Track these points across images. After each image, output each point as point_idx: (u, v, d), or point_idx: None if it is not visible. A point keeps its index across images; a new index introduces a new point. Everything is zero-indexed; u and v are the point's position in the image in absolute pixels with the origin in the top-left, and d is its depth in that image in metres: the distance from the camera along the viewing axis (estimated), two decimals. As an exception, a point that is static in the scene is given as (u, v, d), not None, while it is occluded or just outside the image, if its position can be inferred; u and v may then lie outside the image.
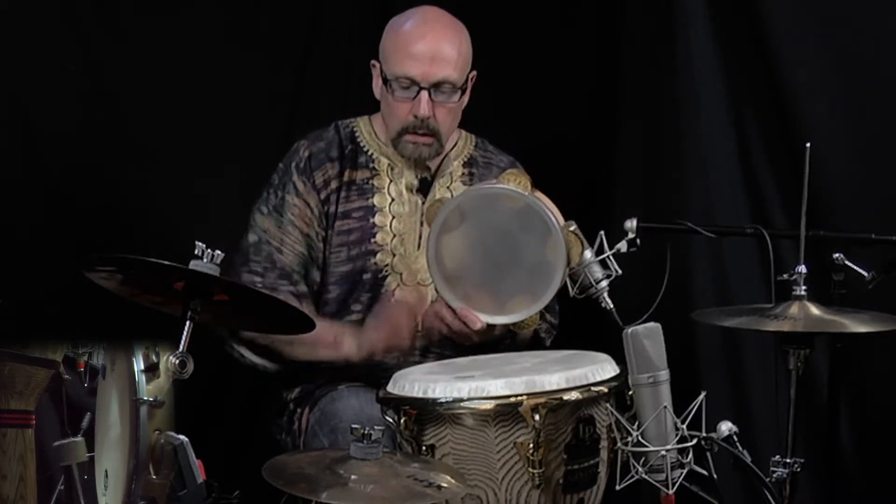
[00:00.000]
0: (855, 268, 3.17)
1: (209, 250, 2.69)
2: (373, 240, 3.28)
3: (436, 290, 3.13)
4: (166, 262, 2.65)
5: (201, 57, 3.85)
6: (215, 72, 3.86)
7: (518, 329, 3.16)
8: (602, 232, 3.05)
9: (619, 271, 3.04)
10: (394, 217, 3.29)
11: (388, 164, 3.31)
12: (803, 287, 3.01)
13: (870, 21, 3.68)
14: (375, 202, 3.30)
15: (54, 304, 3.62)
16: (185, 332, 2.68)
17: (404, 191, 3.30)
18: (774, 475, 2.97)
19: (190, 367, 2.67)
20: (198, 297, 2.69)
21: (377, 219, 3.29)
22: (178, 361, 2.67)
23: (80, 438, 2.90)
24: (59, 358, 2.93)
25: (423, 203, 3.30)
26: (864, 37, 3.68)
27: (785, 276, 3.05)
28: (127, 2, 3.84)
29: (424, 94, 3.20)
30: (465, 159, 3.39)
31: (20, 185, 3.73)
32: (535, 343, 3.30)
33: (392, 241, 3.28)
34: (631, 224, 3.17)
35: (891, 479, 3.69)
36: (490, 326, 3.10)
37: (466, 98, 3.31)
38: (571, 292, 3.04)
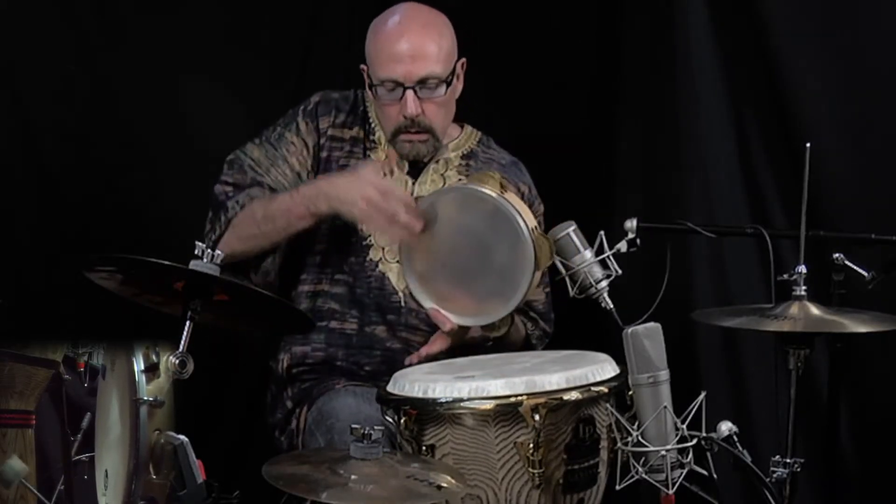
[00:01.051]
0: (855, 268, 3.17)
1: (209, 250, 2.69)
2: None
3: (409, 290, 3.13)
4: (166, 262, 2.65)
5: (201, 57, 3.85)
6: (215, 72, 3.86)
7: (490, 332, 3.16)
8: (602, 232, 3.05)
9: (619, 271, 3.04)
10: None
11: (388, 144, 3.31)
12: (803, 287, 3.01)
13: (870, 21, 3.68)
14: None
15: (54, 304, 3.62)
16: (185, 332, 2.68)
17: (396, 168, 3.30)
18: (774, 475, 2.97)
19: (190, 367, 2.67)
20: (198, 297, 2.70)
21: None
22: (178, 361, 2.67)
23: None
24: (59, 358, 2.93)
25: (414, 184, 3.30)
26: (864, 37, 3.68)
27: (785, 276, 3.05)
28: (127, 2, 3.84)
29: (410, 93, 3.19)
30: (465, 152, 3.39)
31: (20, 185, 3.73)
32: (526, 348, 3.30)
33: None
34: (631, 224, 3.17)
35: (891, 479, 3.69)
36: (462, 328, 3.10)
37: (460, 86, 3.30)
38: (571, 292, 3.05)
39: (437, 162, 3.33)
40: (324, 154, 3.30)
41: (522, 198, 3.24)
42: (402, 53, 3.19)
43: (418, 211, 3.06)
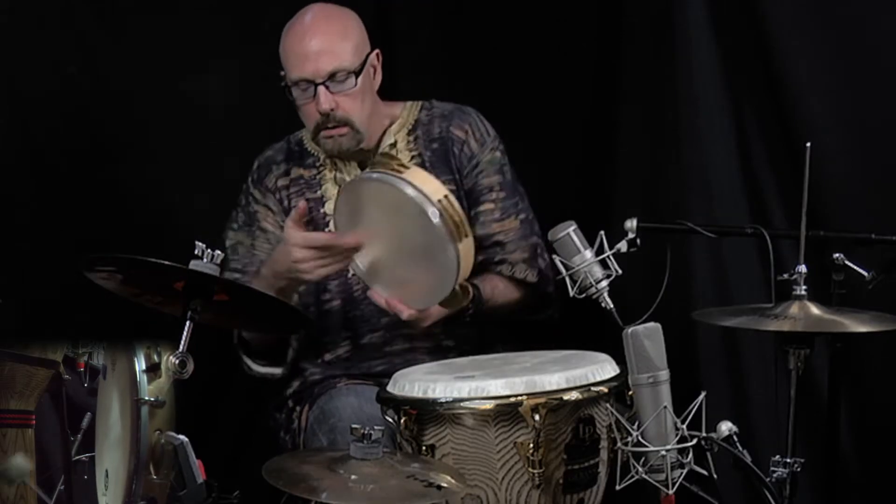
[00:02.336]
0: (855, 268, 3.17)
1: (209, 250, 2.70)
2: (327, 229, 3.30)
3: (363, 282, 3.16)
4: (166, 263, 2.65)
5: (201, 57, 3.85)
6: (215, 72, 3.86)
7: (451, 307, 3.15)
8: (602, 232, 3.05)
9: (619, 271, 3.04)
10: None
11: (332, 161, 3.35)
12: (803, 287, 3.01)
13: (870, 20, 3.67)
14: (324, 193, 3.34)
15: (54, 304, 3.62)
16: (185, 332, 2.68)
17: (347, 178, 3.31)
18: (774, 475, 2.97)
19: (190, 367, 2.68)
20: (198, 297, 2.70)
21: (327, 207, 3.32)
22: (178, 361, 2.67)
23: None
24: (59, 358, 2.93)
25: None
26: (864, 36, 3.68)
27: (785, 276, 3.05)
28: (127, 2, 3.84)
29: (321, 89, 3.22)
30: (410, 126, 3.39)
31: (20, 185, 3.73)
32: (532, 307, 3.32)
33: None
34: (631, 224, 3.17)
35: (891, 479, 3.69)
36: (422, 311, 3.11)
37: (378, 77, 3.31)
38: (571, 292, 3.05)
39: (383, 150, 3.32)
40: (286, 203, 3.35)
41: (466, 136, 3.30)
42: (308, 51, 3.22)
43: (342, 223, 3.10)
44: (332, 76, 3.22)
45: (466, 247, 3.02)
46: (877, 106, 3.67)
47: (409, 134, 3.38)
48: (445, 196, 3.00)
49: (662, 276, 3.19)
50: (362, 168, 3.31)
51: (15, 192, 3.71)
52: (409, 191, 3.00)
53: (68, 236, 3.71)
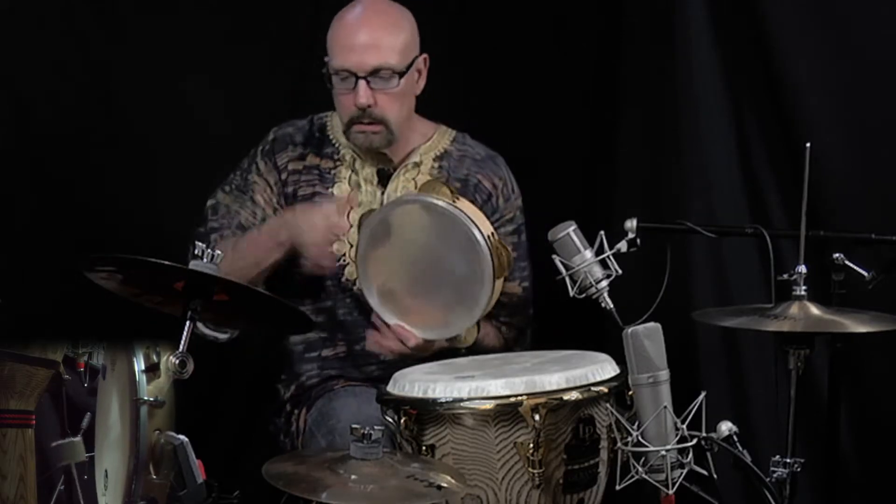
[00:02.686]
0: (855, 268, 3.17)
1: (209, 250, 2.69)
2: (345, 235, 3.26)
3: (371, 307, 3.12)
4: (166, 263, 2.65)
5: (201, 57, 3.85)
6: (215, 72, 3.86)
7: (455, 344, 3.15)
8: (602, 232, 3.05)
9: (619, 271, 3.04)
10: (352, 208, 3.27)
11: (352, 157, 3.32)
12: (803, 287, 3.01)
13: (870, 20, 3.67)
14: (335, 191, 3.30)
15: (54, 304, 3.62)
16: (185, 332, 2.68)
17: (363, 182, 3.31)
18: (774, 475, 2.97)
19: (190, 366, 2.67)
20: (198, 297, 2.69)
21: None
22: (178, 361, 2.67)
23: (77, 438, 2.89)
24: (59, 358, 2.93)
25: (384, 194, 3.29)
26: (864, 36, 3.68)
27: (785, 276, 3.05)
28: (127, 2, 3.84)
29: (362, 83, 3.19)
30: (439, 153, 3.37)
31: (20, 185, 3.73)
32: (504, 351, 3.30)
33: (350, 231, 3.26)
34: (631, 224, 3.17)
35: (891, 479, 3.69)
36: (427, 341, 3.09)
37: (422, 82, 3.30)
38: (571, 292, 3.04)
39: (406, 167, 3.32)
40: (289, 189, 3.31)
41: (495, 191, 3.25)
42: (356, 44, 3.20)
43: (368, 236, 3.07)
44: (375, 72, 3.19)
45: (497, 287, 3.02)
46: (877, 106, 3.67)
47: (435, 160, 3.35)
48: (493, 233, 3.00)
49: (662, 276, 3.19)
50: (380, 175, 3.30)
51: (15, 192, 3.70)
52: (465, 220, 2.98)
53: (68, 236, 3.70)
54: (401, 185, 3.29)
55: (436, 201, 2.99)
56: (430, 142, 3.36)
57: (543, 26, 4.04)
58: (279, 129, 3.37)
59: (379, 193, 3.30)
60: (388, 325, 3.09)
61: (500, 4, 4.01)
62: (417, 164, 3.32)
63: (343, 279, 3.27)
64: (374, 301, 3.09)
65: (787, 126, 3.73)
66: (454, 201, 2.99)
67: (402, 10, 3.28)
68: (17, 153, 3.73)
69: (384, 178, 3.31)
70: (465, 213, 2.98)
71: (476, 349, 3.23)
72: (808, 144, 3.00)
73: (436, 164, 3.34)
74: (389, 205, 3.12)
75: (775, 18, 3.72)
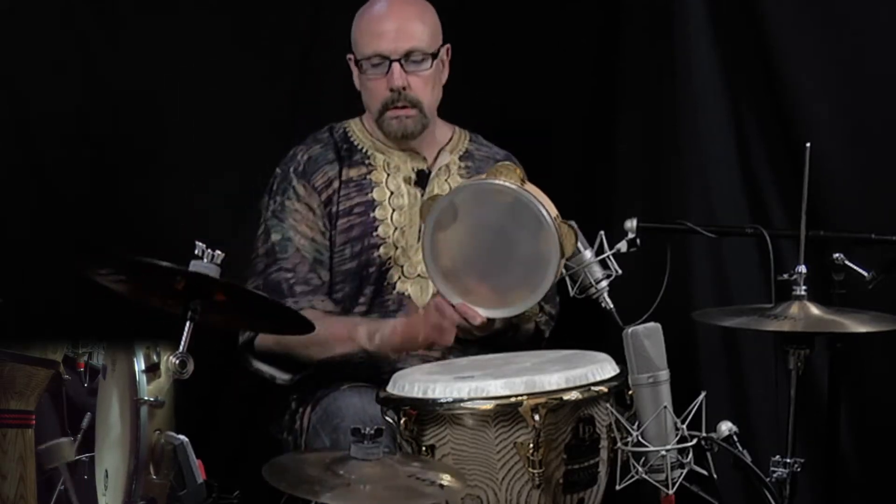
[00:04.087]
0: (855, 268, 3.17)
1: (209, 250, 2.69)
2: (375, 233, 3.29)
3: (435, 287, 3.13)
4: (166, 263, 2.65)
5: (201, 57, 3.84)
6: (215, 72, 3.86)
7: (518, 321, 3.16)
8: (602, 232, 3.05)
9: (619, 271, 3.04)
10: (394, 210, 3.30)
11: (384, 160, 3.34)
12: (803, 287, 3.01)
13: (870, 21, 3.68)
14: (375, 196, 3.32)
15: (54, 304, 3.62)
16: (185, 333, 2.68)
17: (402, 184, 3.32)
18: (774, 475, 2.97)
19: (190, 367, 2.67)
20: (198, 297, 2.69)
21: (377, 213, 3.31)
22: (178, 361, 2.67)
23: (66, 439, 2.90)
24: (59, 358, 2.93)
25: (422, 195, 3.31)
26: (864, 36, 3.68)
27: (785, 276, 3.05)
28: (127, 2, 3.84)
29: (396, 65, 3.24)
30: (461, 153, 3.40)
31: (20, 185, 3.72)
32: (535, 335, 3.31)
33: (394, 233, 3.29)
34: (631, 224, 3.17)
35: (891, 479, 3.69)
36: (490, 320, 3.09)
37: (446, 73, 3.34)
38: (571, 292, 3.05)
39: (439, 170, 3.35)
40: (332, 208, 3.32)
41: None
42: (388, 30, 3.25)
43: (435, 219, 3.05)
44: (408, 55, 3.24)
45: (560, 267, 3.01)
46: (877, 106, 3.68)
47: (460, 160, 3.39)
48: (558, 215, 3.00)
49: (662, 276, 3.19)
50: (419, 176, 3.32)
51: (15, 191, 3.70)
52: (532, 200, 2.97)
53: (68, 236, 3.70)
54: (437, 187, 3.33)
55: (505, 182, 3.00)
56: (452, 142, 3.41)
57: (542, 25, 4.04)
58: (309, 149, 3.36)
59: (418, 195, 3.32)
60: (452, 306, 3.09)
61: (500, 3, 4.01)
62: (448, 167, 3.36)
63: (385, 283, 3.29)
64: (438, 281, 3.09)
65: (787, 126, 3.73)
66: (522, 183, 3.00)
67: (425, 2, 3.34)
68: (16, 153, 3.73)
69: (423, 179, 3.33)
70: (532, 195, 2.99)
71: (522, 331, 3.26)
72: (808, 144, 3.00)
73: (462, 165, 3.38)
74: (457, 188, 3.13)
75: (775, 18, 3.73)
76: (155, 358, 2.90)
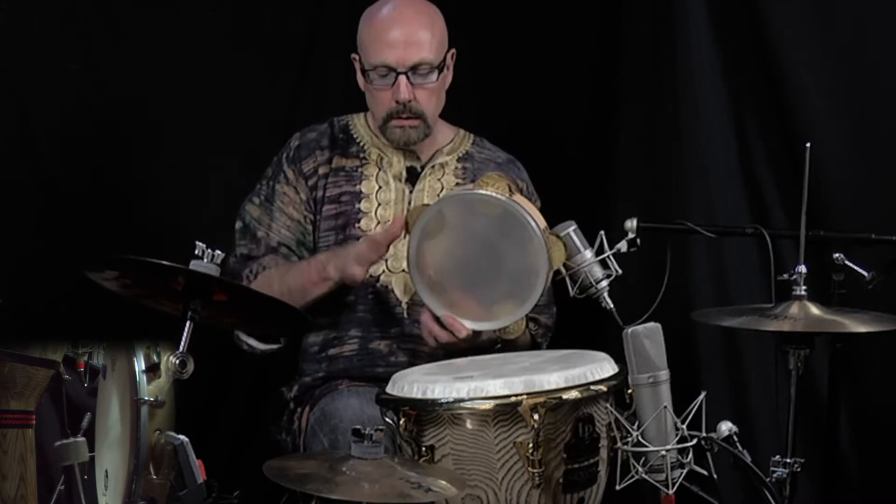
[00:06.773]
0: (855, 268, 3.17)
1: (209, 250, 2.69)
2: (357, 224, 3.30)
3: (420, 298, 3.12)
4: (166, 263, 2.65)
5: (201, 57, 3.85)
6: (215, 72, 3.86)
7: (504, 335, 3.15)
8: (602, 232, 3.06)
9: (619, 271, 3.05)
10: (379, 204, 3.30)
11: (379, 155, 3.34)
12: (803, 287, 3.01)
13: (870, 21, 3.68)
14: (362, 188, 3.32)
15: (54, 304, 3.62)
16: (185, 332, 2.68)
17: (391, 179, 3.32)
18: (774, 475, 2.97)
19: (190, 367, 2.68)
20: (198, 297, 2.70)
21: (363, 205, 3.31)
22: (178, 361, 2.67)
23: (81, 438, 2.90)
24: (59, 358, 2.93)
25: (411, 192, 3.31)
26: (864, 36, 3.68)
27: (785, 276, 3.05)
28: (127, 2, 3.84)
29: (402, 78, 3.22)
30: (461, 155, 3.40)
31: (20, 185, 3.73)
32: (531, 347, 3.30)
33: (375, 227, 3.28)
34: (631, 224, 3.17)
35: (891, 479, 3.69)
36: (476, 333, 3.09)
37: (449, 77, 3.33)
38: (572, 292, 3.05)
39: (433, 168, 3.34)
40: (318, 193, 3.33)
41: (520, 193, 3.25)
42: (395, 40, 3.22)
43: (421, 228, 3.05)
44: (414, 67, 3.23)
45: (548, 280, 3.01)
46: (877, 106, 3.68)
47: (458, 161, 3.38)
48: (546, 228, 3.00)
49: (662, 276, 3.19)
50: (410, 173, 3.32)
51: (15, 191, 3.71)
52: (521, 212, 2.97)
53: (68, 236, 3.71)
54: (428, 185, 3.32)
55: (494, 194, 3.00)
56: (453, 143, 3.40)
57: (542, 26, 4.04)
58: (302, 136, 3.38)
59: (407, 191, 3.31)
60: (437, 318, 3.09)
61: (499, 3, 4.01)
62: (443, 166, 3.35)
63: (368, 275, 3.28)
64: (423, 292, 3.09)
65: (787, 126, 3.74)
66: (511, 195, 3.00)
67: (432, 6, 3.33)
68: (17, 153, 3.73)
69: (413, 177, 3.33)
70: (521, 206, 2.99)
71: (511, 345, 3.24)
72: (808, 144, 3.00)
73: (459, 166, 3.37)
74: (445, 198, 3.12)
75: (775, 18, 3.73)
76: (155, 358, 2.90)
